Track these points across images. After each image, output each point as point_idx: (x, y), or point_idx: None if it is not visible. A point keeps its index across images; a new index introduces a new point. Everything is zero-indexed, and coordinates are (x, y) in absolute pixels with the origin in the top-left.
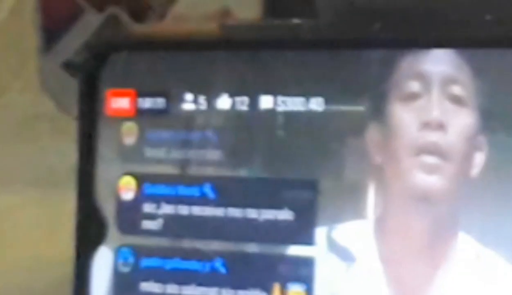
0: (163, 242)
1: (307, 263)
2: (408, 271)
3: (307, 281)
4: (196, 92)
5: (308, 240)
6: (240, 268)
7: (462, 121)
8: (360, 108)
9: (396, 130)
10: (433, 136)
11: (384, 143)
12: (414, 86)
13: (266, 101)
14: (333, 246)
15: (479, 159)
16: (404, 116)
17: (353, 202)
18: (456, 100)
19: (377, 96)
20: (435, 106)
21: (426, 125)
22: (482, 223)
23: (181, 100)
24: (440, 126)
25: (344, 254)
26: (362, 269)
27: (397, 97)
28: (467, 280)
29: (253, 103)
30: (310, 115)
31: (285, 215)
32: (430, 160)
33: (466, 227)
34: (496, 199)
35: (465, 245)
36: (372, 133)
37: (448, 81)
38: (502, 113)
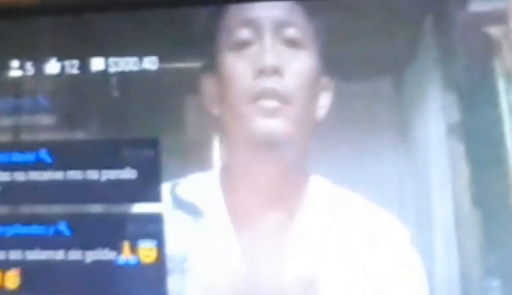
0: (2, 209)
1: (155, 219)
2: (259, 221)
3: (157, 237)
4: (24, 58)
5: (153, 197)
6: (86, 229)
7: (300, 64)
8: (194, 63)
9: (230, 81)
10: (269, 83)
11: (220, 95)
12: (244, 34)
13: (97, 63)
14: (178, 202)
15: (325, 99)
16: (238, 66)
17: (196, 156)
18: (292, 43)
19: (209, 49)
20: (268, 52)
21: (261, 72)
22: (333, 163)
23: (9, 67)
24: (276, 72)
25: (190, 209)
26: (211, 223)
27: (228, 47)
28: (323, 222)
29: (84, 66)
30: (145, 75)
31: (127, 174)
32: (269, 104)
33: (318, 169)
34: (344, 139)
35: (318, 187)
36: (208, 86)
37: (281, 25)
38: (342, 56)
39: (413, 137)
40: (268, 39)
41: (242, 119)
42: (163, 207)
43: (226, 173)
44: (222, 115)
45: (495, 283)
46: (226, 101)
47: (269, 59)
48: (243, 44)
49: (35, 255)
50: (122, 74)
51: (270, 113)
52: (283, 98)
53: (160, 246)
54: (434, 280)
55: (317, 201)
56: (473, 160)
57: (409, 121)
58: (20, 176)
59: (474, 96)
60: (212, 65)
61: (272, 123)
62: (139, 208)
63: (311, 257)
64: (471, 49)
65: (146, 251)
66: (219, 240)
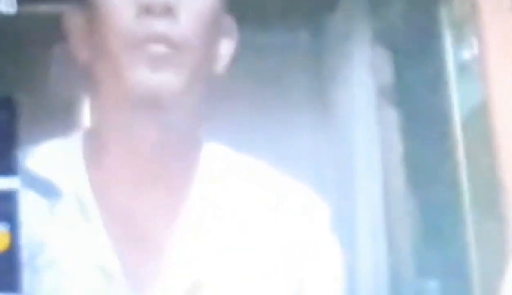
0: None
1: (8, 197)
2: (135, 204)
3: (10, 220)
4: None
5: (7, 170)
6: None
7: (199, 1)
8: (60, 5)
9: (105, 18)
10: (158, 25)
11: (92, 35)
12: None
13: None
14: (29, 178)
15: (226, 47)
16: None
17: (61, 118)
18: None
19: None
20: None
21: (147, 9)
22: (234, 128)
23: None
24: (167, 10)
25: (45, 188)
26: (70, 207)
27: None
28: (221, 195)
29: None
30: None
31: None
32: (155, 51)
33: (215, 135)
34: (250, 100)
35: (214, 157)
36: (75, 22)
37: None
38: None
39: (335, 101)
40: None
41: (119, 70)
42: (18, 182)
43: (93, 139)
44: (93, 64)
45: (433, 284)
46: (98, 44)
47: None
48: None
49: None
50: None
51: (156, 63)
52: (175, 46)
53: (14, 231)
54: (356, 276)
55: (212, 174)
56: (410, 131)
57: (330, 81)
58: None
59: (413, 53)
60: (82, 2)
61: (159, 77)
62: None
63: (200, 254)
64: None
65: None
66: (81, 230)
